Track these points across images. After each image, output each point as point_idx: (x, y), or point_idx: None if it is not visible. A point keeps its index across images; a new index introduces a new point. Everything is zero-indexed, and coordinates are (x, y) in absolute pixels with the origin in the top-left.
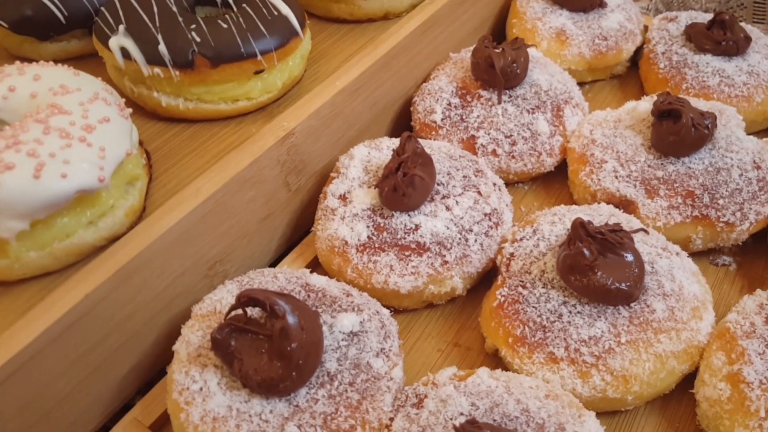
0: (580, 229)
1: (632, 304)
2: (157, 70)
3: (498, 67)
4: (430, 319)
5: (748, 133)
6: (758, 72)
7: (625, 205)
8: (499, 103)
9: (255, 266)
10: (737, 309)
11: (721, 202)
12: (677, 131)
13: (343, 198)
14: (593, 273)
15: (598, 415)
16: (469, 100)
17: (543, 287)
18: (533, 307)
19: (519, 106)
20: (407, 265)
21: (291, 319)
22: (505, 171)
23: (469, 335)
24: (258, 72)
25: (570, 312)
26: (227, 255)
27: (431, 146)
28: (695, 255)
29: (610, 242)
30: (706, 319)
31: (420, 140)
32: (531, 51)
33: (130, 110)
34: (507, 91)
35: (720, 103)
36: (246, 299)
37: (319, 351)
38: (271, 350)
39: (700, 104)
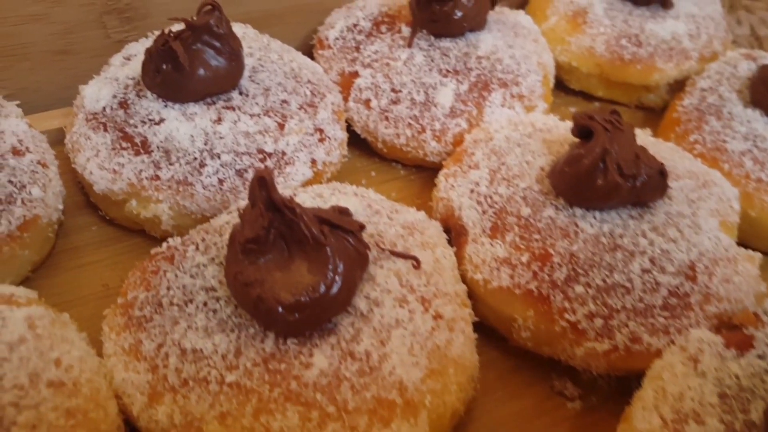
0: (258, 188)
1: (289, 341)
2: None
3: None
4: (132, 250)
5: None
6: None
7: (457, 230)
8: (409, 45)
9: (42, 102)
10: None
11: (578, 289)
12: (572, 162)
13: (128, 59)
14: (244, 270)
15: None
16: (382, 31)
17: (196, 267)
18: (175, 282)
19: (433, 60)
20: (114, 157)
21: None
22: (373, 134)
23: None
24: None
25: (206, 302)
26: None
27: (282, 55)
28: (536, 365)
29: (298, 230)
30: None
31: (275, 48)
32: (516, 15)
33: None
34: (432, 38)
35: (719, 174)
36: None
37: None
38: None
39: (694, 166)
